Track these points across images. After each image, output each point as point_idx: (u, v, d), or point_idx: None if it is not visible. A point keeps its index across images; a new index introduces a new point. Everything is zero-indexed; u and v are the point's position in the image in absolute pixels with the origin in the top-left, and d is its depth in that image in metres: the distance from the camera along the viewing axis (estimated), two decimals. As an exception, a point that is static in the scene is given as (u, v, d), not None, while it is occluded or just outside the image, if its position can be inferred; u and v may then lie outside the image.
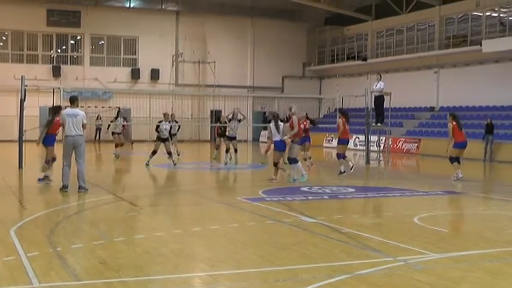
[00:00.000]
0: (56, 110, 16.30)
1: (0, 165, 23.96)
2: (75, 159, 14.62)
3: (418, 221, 11.14)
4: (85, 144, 14.86)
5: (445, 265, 7.84)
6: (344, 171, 19.69)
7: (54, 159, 16.57)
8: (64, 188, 14.68)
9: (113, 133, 26.97)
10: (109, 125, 27.85)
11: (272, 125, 17.59)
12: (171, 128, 23.32)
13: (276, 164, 17.70)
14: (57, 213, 11.96)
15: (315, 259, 8.04)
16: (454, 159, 19.05)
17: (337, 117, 21.05)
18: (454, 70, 37.73)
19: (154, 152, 22.39)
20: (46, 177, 16.47)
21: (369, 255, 8.29)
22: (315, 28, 49.98)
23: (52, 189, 15.68)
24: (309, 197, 14.50)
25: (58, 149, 16.03)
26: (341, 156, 19.80)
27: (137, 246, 8.74)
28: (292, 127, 17.52)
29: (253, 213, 12.02)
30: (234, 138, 23.50)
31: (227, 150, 23.23)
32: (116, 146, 26.50)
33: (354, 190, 16.04)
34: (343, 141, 20.16)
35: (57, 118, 15.69)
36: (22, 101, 21.28)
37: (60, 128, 15.16)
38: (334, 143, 40.05)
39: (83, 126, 14.62)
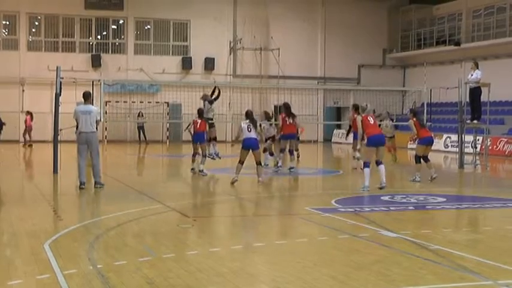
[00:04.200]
0: (200, 114, 21.54)
1: (33, 169, 24.55)
2: (90, 155, 16.79)
3: (523, 237, 10.96)
4: (98, 141, 17.28)
5: (556, 290, 7.69)
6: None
7: (195, 153, 21.37)
8: (82, 185, 16.64)
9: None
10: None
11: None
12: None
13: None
14: (97, 224, 12.18)
15: (397, 281, 7.98)
16: (420, 159, 19.80)
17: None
18: None
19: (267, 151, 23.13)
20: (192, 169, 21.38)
21: (463, 277, 8.18)
22: (398, 7, 49.56)
23: (91, 197, 16.02)
24: (391, 208, 14.39)
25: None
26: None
27: (190, 264, 8.83)
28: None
29: (324, 226, 12.00)
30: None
31: None
32: None
33: (444, 200, 15.84)
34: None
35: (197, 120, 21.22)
36: (57, 96, 21.67)
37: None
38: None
39: (97, 122, 16.93)
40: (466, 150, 27.40)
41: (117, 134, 42.29)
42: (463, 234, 11.65)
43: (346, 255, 9.49)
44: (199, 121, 21.28)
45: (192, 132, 21.61)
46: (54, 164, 21.08)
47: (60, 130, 21.72)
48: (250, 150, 18.58)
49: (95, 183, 16.86)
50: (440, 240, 10.56)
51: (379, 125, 24.15)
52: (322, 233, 11.48)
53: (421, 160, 19.85)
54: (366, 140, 17.87)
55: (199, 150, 21.29)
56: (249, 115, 18.92)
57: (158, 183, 20.70)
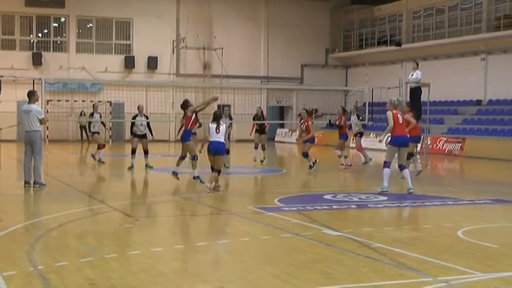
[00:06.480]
0: (185, 105, 18.54)
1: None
2: (33, 154, 16.73)
3: (463, 234, 11.11)
4: (42, 140, 17.34)
5: (494, 287, 7.81)
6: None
7: (183, 157, 18.82)
8: (26, 184, 16.71)
9: (92, 133, 25.99)
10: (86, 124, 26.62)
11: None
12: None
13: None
14: (38, 225, 11.99)
15: (339, 279, 8.04)
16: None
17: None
18: (505, 56, 37.51)
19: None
20: (175, 174, 18.51)
21: (404, 274, 8.27)
22: (340, 8, 49.93)
23: (32, 198, 15.79)
24: (333, 206, 14.49)
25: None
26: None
27: (132, 264, 8.77)
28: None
29: (267, 225, 12.01)
30: None
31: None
32: (99, 148, 25.15)
33: (386, 198, 15.99)
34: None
35: (188, 114, 18.25)
36: (-3, 95, 21.35)
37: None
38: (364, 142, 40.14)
39: (41, 121, 16.87)
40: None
41: (59, 133, 41.70)
42: (404, 232, 11.77)
43: (289, 254, 9.51)
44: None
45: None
46: (-6, 164, 20.79)
47: (0, 129, 21.38)
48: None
49: (35, 182, 16.69)
50: (381, 238, 10.65)
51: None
52: (265, 232, 11.49)
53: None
54: (389, 139, 17.48)
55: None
56: (217, 116, 16.66)
57: (101, 183, 20.52)
